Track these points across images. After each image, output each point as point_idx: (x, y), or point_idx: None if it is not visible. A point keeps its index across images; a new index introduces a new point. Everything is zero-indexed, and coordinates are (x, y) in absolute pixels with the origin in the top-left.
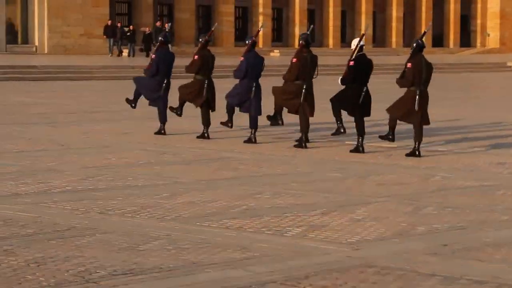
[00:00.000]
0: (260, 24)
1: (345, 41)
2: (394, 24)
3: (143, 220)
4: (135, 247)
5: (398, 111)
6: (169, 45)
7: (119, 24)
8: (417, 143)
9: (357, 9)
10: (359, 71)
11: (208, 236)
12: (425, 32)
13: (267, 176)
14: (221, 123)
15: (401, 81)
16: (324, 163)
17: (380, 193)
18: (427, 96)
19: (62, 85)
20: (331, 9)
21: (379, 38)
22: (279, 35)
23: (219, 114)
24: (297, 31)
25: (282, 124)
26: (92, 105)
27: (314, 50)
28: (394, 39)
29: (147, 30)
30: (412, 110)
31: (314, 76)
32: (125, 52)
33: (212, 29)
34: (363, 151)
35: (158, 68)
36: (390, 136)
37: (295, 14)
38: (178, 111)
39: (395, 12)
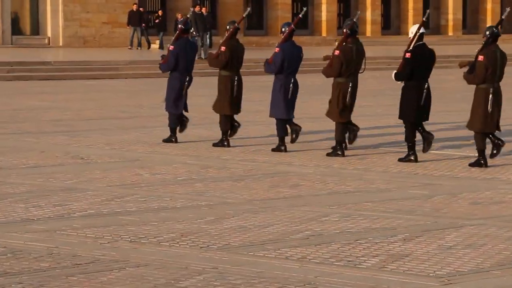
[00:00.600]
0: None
1: (428, 27)
2: (489, 5)
3: (184, 250)
4: (174, 283)
5: (477, 122)
6: (204, 35)
7: (141, 10)
8: (481, 151)
9: None
10: (418, 65)
11: (263, 268)
12: (502, 19)
13: (335, 194)
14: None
15: (469, 77)
16: (405, 178)
17: (475, 214)
18: (501, 96)
19: (81, 85)
20: None
21: (471, 22)
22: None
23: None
24: (368, 16)
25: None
26: (118, 109)
27: (389, 39)
28: (489, 24)
29: (178, 17)
30: (487, 113)
31: (360, 71)
32: (155, 44)
33: (244, 15)
34: (415, 160)
35: (177, 61)
36: (481, 161)
37: None
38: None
39: None
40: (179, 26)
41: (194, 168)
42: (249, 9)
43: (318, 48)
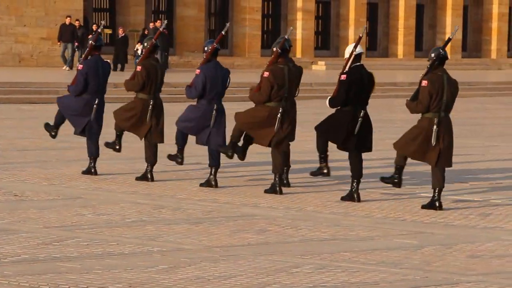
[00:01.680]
0: (227, 25)
1: (420, 48)
2: (494, 24)
3: None
4: None
5: (408, 146)
6: (162, 54)
7: (77, 24)
8: (436, 190)
9: (440, 2)
10: (354, 89)
11: None
12: (449, 39)
13: (308, 242)
14: (169, 156)
15: (412, 105)
16: (390, 224)
17: (473, 269)
18: (450, 126)
19: (16, 109)
20: (401, 3)
21: (472, 44)
22: (325, 41)
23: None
24: (351, 35)
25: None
26: (58, 139)
27: (377, 61)
28: (494, 46)
29: (120, 32)
30: (428, 146)
31: (295, 94)
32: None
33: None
34: (358, 200)
35: (86, 82)
36: (395, 179)
37: (349, 11)
38: (116, 145)
39: (497, 7)
40: (90, 42)
41: (145, 208)
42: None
43: None
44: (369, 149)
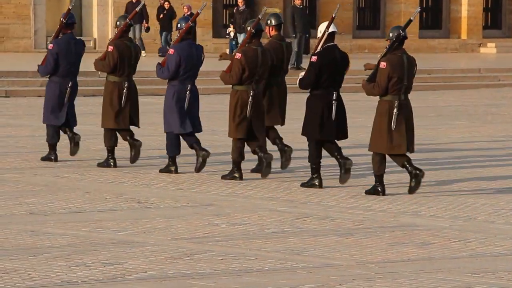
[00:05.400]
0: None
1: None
2: None
3: None
4: None
5: (380, 143)
6: (302, 36)
7: (166, 5)
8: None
9: None
10: (326, 71)
11: None
12: (410, 20)
13: (478, 257)
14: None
15: (368, 87)
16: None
17: None
18: (410, 109)
19: None
20: None
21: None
22: (496, 19)
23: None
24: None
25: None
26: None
27: None
28: None
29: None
30: (391, 132)
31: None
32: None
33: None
34: (320, 186)
35: (57, 63)
36: (378, 187)
37: None
38: (110, 160)
39: None
40: (61, 19)
41: (287, 217)
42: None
43: (455, 56)
44: (344, 135)
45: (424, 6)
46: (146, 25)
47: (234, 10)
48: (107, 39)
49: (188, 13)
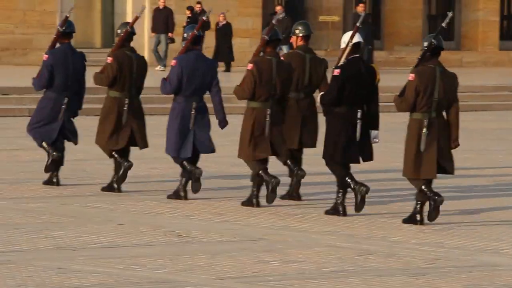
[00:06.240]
0: (195, 7)
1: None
2: None
3: None
4: None
5: (408, 166)
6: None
7: (197, 7)
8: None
9: None
10: (348, 86)
11: None
12: (442, 27)
13: None
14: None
15: (397, 101)
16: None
17: None
18: (444, 127)
19: None
20: None
21: None
22: None
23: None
24: None
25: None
26: (232, 161)
27: None
28: None
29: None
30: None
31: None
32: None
33: (137, 14)
34: (344, 213)
35: (52, 76)
36: (417, 216)
37: None
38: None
39: None
40: (57, 28)
41: (348, 253)
42: (144, 6)
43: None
44: (370, 158)
45: (505, 13)
46: (171, 35)
47: (273, 19)
48: (142, 50)
49: (224, 21)
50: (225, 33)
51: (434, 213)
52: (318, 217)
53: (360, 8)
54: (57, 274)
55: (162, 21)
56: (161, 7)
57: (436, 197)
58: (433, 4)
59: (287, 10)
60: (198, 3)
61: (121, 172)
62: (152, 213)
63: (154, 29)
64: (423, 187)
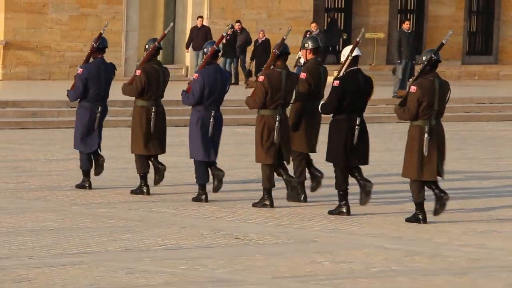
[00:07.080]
0: (235, 26)
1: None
2: None
3: None
4: None
5: (410, 168)
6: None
7: (237, 26)
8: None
9: None
10: (348, 96)
11: None
12: (442, 44)
13: None
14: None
15: (399, 111)
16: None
17: None
18: (442, 134)
19: (230, 133)
20: None
21: None
22: None
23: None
24: None
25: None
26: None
27: None
28: None
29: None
30: (423, 157)
31: (290, 102)
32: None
33: (165, 31)
34: (347, 213)
35: (86, 88)
36: (418, 215)
37: None
38: (143, 187)
39: None
40: (92, 44)
41: (395, 254)
42: (171, 24)
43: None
44: (364, 162)
45: None
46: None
47: (307, 35)
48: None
49: (263, 38)
50: (264, 49)
51: (440, 210)
52: (367, 220)
53: (406, 25)
54: (126, 274)
55: (201, 38)
56: (199, 25)
57: (443, 195)
58: (473, 22)
59: (329, 27)
60: (238, 21)
61: (159, 175)
62: (212, 217)
63: (194, 46)
64: (433, 187)
